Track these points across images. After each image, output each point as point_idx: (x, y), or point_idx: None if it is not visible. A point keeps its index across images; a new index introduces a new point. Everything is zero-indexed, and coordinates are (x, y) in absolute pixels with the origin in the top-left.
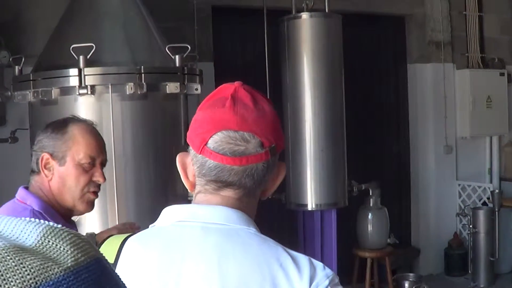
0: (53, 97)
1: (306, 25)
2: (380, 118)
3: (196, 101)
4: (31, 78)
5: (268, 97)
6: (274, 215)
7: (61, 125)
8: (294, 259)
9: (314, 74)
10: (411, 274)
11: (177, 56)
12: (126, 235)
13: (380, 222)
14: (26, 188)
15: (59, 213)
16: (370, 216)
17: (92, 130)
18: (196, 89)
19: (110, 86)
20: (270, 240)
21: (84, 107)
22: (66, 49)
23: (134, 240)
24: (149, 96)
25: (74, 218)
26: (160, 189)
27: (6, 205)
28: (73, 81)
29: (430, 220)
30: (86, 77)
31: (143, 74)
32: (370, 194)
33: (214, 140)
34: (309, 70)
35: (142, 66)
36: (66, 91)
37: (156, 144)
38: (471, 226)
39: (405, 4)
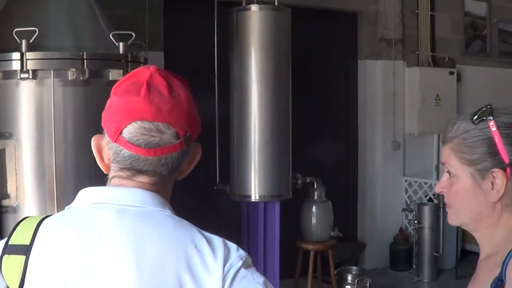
0: None
1: (255, 17)
2: (330, 113)
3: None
4: None
5: (183, 81)
6: (220, 206)
7: None
8: (208, 241)
9: (262, 66)
10: (354, 268)
11: (121, 43)
12: (41, 216)
13: (324, 215)
14: None
15: None
16: (314, 208)
17: None
18: None
19: (52, 71)
20: (185, 222)
21: (25, 92)
22: (10, 33)
23: (51, 222)
24: (92, 83)
25: (12, 203)
26: (100, 176)
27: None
28: (15, 65)
29: (377, 215)
30: (28, 61)
31: (85, 60)
32: (315, 187)
33: (128, 130)
34: (256, 62)
35: (85, 52)
36: (8, 75)
37: (96, 130)
38: (416, 221)
39: (357, 0)
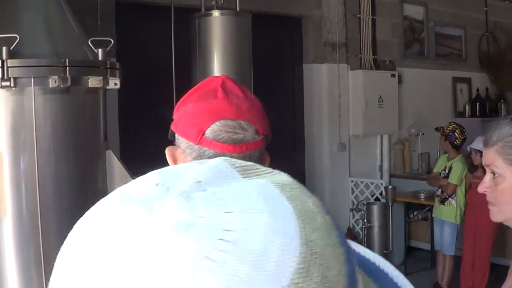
0: None
1: (217, 23)
2: (277, 117)
3: (114, 96)
4: None
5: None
6: None
7: None
8: None
9: (225, 71)
10: None
11: (100, 50)
12: None
13: None
14: None
15: None
16: None
17: None
18: (116, 84)
19: (32, 79)
20: None
21: (3, 100)
22: None
23: None
24: (72, 90)
25: None
26: (80, 185)
27: None
28: None
29: None
30: (9, 69)
31: (67, 67)
32: None
33: (212, 129)
34: (219, 68)
35: (67, 59)
36: None
37: (76, 139)
38: (365, 220)
39: (302, 5)
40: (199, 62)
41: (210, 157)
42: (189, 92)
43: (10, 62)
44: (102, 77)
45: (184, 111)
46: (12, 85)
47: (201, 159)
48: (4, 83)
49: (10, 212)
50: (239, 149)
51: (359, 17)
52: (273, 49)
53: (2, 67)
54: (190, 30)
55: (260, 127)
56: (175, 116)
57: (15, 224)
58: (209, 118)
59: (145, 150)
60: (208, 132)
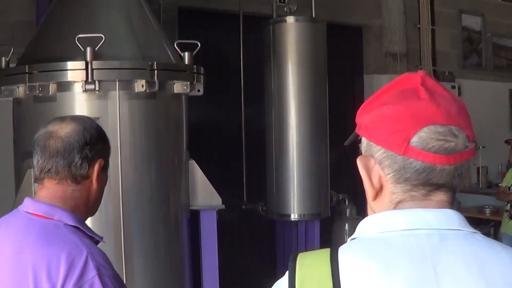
0: (50, 93)
1: (292, 30)
2: (337, 128)
3: (195, 102)
4: (26, 71)
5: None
6: (248, 227)
7: (98, 126)
8: None
9: (300, 80)
10: None
11: (186, 53)
12: (318, 252)
13: None
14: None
15: None
16: (346, 226)
17: None
18: (199, 90)
19: (117, 82)
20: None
21: (87, 105)
22: (62, 39)
23: (350, 259)
24: (158, 96)
25: None
26: (163, 197)
27: (25, 223)
28: (78, 76)
29: None
30: (94, 71)
31: (155, 71)
32: (346, 204)
33: (420, 137)
34: (294, 76)
35: (155, 62)
36: (65, 87)
37: (160, 148)
38: None
39: (363, 14)
40: (273, 70)
41: (417, 170)
42: (379, 92)
43: (95, 64)
44: (188, 82)
45: (379, 114)
46: (97, 88)
47: (404, 172)
48: (88, 86)
49: (92, 227)
50: (453, 160)
51: (419, 27)
52: (333, 58)
53: (86, 69)
54: (263, 37)
55: (470, 132)
56: (362, 119)
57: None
58: (416, 123)
59: (212, 159)
60: (415, 140)
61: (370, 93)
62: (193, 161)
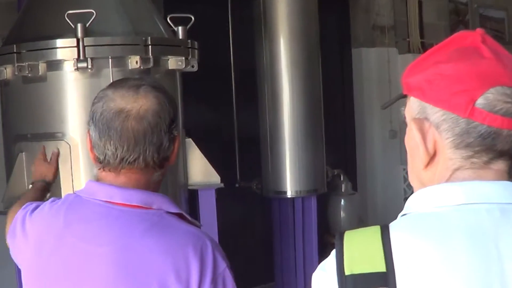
0: (40, 73)
1: (283, 2)
2: (326, 103)
3: (191, 78)
4: (14, 51)
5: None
6: (241, 204)
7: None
8: None
9: (292, 53)
10: None
11: (180, 28)
12: (366, 230)
13: (353, 208)
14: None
15: None
16: (342, 202)
17: None
18: (193, 66)
19: (110, 59)
20: None
21: (79, 84)
22: (49, 17)
23: (405, 235)
24: (152, 72)
25: None
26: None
27: (116, 214)
28: (69, 53)
29: (377, 205)
30: (86, 48)
31: (149, 46)
32: (341, 179)
33: (486, 98)
34: (287, 49)
35: (149, 38)
36: (55, 65)
37: None
38: None
39: None
40: (265, 44)
41: (481, 135)
42: (430, 51)
43: (86, 41)
44: (184, 58)
45: (437, 72)
46: (89, 66)
47: (467, 136)
48: (80, 65)
49: None
50: None
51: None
52: (320, 31)
53: (78, 46)
54: (253, 10)
55: None
56: (412, 79)
57: None
58: (481, 83)
59: (202, 137)
60: (481, 102)
61: (358, 67)
62: (190, 139)
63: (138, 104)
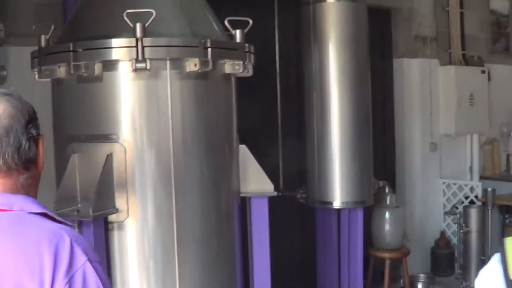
0: (96, 73)
1: (333, 10)
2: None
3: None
4: (71, 49)
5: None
6: (281, 213)
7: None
8: None
9: (342, 62)
10: (421, 275)
11: (238, 31)
12: None
13: (397, 221)
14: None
15: None
16: (387, 214)
17: None
18: (248, 71)
19: (168, 61)
20: None
21: (136, 85)
22: (105, 16)
23: None
24: (210, 75)
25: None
26: (214, 183)
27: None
28: (127, 54)
29: (416, 219)
30: (145, 49)
31: (208, 49)
32: (386, 191)
33: None
34: (336, 58)
35: (208, 40)
36: (110, 66)
37: (211, 132)
38: (463, 224)
39: None
40: (314, 52)
41: None
42: None
43: (145, 41)
44: (241, 62)
45: None
46: (147, 67)
47: None
48: (139, 65)
49: (144, 215)
50: None
51: (447, 10)
52: None
53: (137, 46)
54: (302, 18)
55: None
56: None
57: (140, 228)
58: None
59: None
60: None
61: (400, 78)
62: (244, 145)
63: None
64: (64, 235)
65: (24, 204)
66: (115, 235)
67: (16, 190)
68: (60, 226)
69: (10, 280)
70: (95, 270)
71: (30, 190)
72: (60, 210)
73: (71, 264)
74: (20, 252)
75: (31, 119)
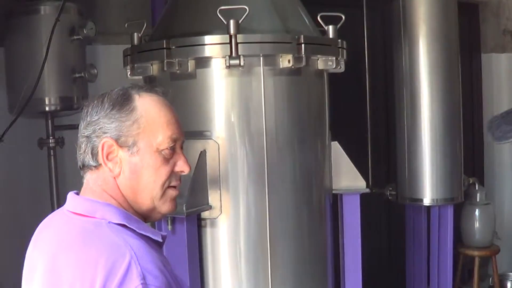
0: (189, 70)
1: (423, 4)
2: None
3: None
4: (164, 46)
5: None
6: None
7: (123, 98)
8: None
9: (433, 58)
10: (511, 274)
11: (331, 27)
12: None
13: (487, 219)
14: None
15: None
16: (477, 212)
17: (166, 103)
18: (340, 67)
19: (261, 58)
20: None
21: (226, 81)
22: (197, 13)
23: None
24: (303, 72)
25: (214, 215)
26: (306, 181)
27: (65, 223)
28: (220, 50)
29: (505, 216)
30: (239, 45)
31: (302, 45)
32: (476, 188)
33: None
34: (427, 54)
35: (302, 36)
36: (203, 63)
37: (303, 129)
38: None
39: None
40: (404, 47)
41: None
42: None
43: (239, 38)
44: (334, 58)
45: None
46: (241, 64)
47: None
48: (232, 62)
49: (236, 212)
50: None
51: None
52: None
53: (231, 43)
54: (392, 13)
55: None
56: None
57: (232, 225)
58: None
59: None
60: None
61: (488, 73)
62: (336, 142)
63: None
64: (127, 253)
65: (106, 212)
66: (208, 232)
67: (102, 191)
68: (132, 242)
69: (66, 286)
70: None
71: (116, 194)
72: None
73: (121, 284)
74: (79, 262)
75: None
